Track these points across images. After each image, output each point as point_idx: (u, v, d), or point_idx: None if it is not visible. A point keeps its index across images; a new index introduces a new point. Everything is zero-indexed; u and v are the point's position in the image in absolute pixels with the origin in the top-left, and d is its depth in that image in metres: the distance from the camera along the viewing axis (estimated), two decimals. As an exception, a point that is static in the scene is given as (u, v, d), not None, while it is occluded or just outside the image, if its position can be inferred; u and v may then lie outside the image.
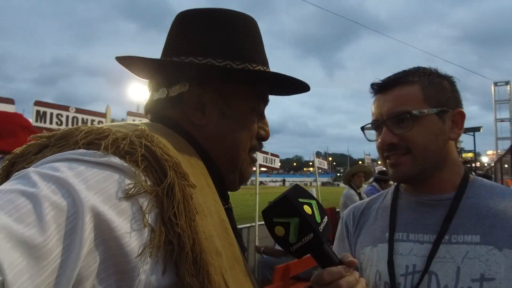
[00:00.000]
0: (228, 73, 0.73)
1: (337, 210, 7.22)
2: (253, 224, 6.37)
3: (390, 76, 1.01)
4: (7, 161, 0.59)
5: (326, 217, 0.73)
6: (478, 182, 1.00)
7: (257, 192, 6.49)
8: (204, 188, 0.63)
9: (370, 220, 1.10)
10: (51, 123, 4.05)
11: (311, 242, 0.68)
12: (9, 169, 0.59)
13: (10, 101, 3.66)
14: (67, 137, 0.58)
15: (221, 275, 0.57)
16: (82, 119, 4.37)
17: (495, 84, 32.52)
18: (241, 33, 0.75)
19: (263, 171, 9.71)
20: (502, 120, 32.00)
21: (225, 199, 0.73)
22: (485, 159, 44.07)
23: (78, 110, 4.38)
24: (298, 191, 0.71)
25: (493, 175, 11.76)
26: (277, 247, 4.80)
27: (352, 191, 5.45)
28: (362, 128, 1.07)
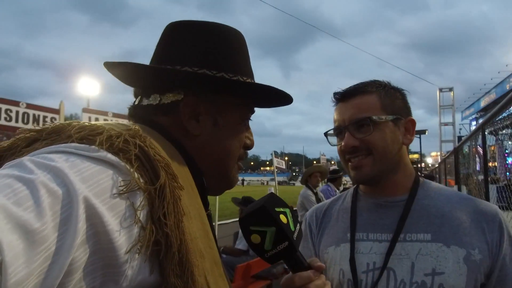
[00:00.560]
0: (223, 84, 0.75)
1: (294, 209, 7.39)
2: (213, 223, 6.37)
3: (350, 87, 1.10)
4: None
5: (298, 225, 0.76)
6: (427, 185, 1.10)
7: (217, 191, 6.47)
8: (189, 192, 0.63)
9: (332, 221, 1.17)
10: (-1, 118, 3.81)
11: (285, 249, 0.71)
12: None
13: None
14: (59, 131, 0.58)
15: (204, 276, 0.58)
16: (34, 115, 4.12)
17: (440, 90, 34.62)
18: (232, 47, 0.78)
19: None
20: (446, 124, 34.14)
21: (205, 205, 0.75)
22: (429, 160, 46.76)
23: (30, 106, 4.12)
24: (274, 200, 0.74)
25: (437, 175, 12.57)
26: (237, 246, 4.85)
27: (309, 191, 5.62)
28: (325, 134, 1.15)
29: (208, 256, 0.62)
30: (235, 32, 0.80)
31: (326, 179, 6.65)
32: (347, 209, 1.15)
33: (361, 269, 1.02)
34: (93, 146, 0.53)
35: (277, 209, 0.72)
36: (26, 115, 4.08)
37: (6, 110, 3.91)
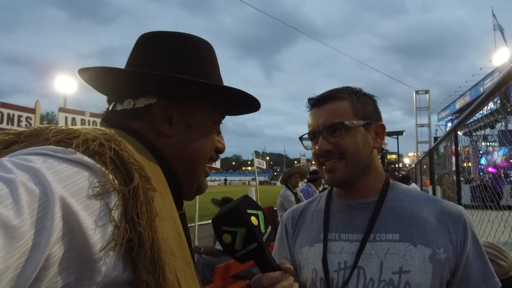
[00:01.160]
0: (194, 87, 0.78)
1: (275, 208, 7.42)
2: (193, 224, 6.33)
3: (324, 93, 1.14)
4: None
5: (269, 227, 0.79)
6: (396, 187, 1.14)
7: (197, 192, 6.44)
8: (162, 193, 0.66)
9: (306, 222, 1.21)
10: (-29, 118, 3.67)
11: (255, 250, 0.74)
12: None
13: None
14: (37, 134, 0.60)
15: (174, 274, 0.61)
16: (9, 114, 3.98)
17: (417, 92, 35.48)
18: (202, 55, 0.82)
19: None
20: (422, 126, 35.02)
21: (179, 206, 0.77)
22: (407, 161, 47.84)
23: (4, 105, 3.99)
24: (247, 203, 0.77)
25: (413, 175, 12.86)
26: (217, 247, 4.84)
27: (289, 192, 5.67)
28: (300, 138, 1.19)
29: (180, 256, 0.64)
30: (204, 42, 0.84)
31: (306, 180, 6.72)
32: (321, 211, 1.19)
33: (333, 268, 1.06)
34: (69, 149, 0.56)
35: (249, 211, 0.75)
36: (0, 115, 3.96)
37: (-22, 109, 3.78)
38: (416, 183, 10.39)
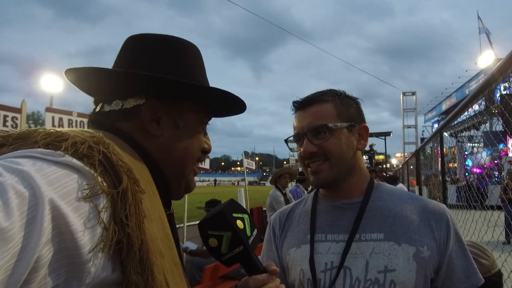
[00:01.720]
0: (182, 87, 0.79)
1: (264, 209, 7.44)
2: (182, 225, 6.31)
3: (308, 96, 1.15)
4: None
5: (255, 230, 0.80)
6: (381, 187, 1.16)
7: (186, 192, 6.41)
8: (150, 195, 0.66)
9: (294, 223, 1.22)
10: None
11: (241, 253, 0.75)
12: None
13: None
14: (25, 137, 0.60)
15: (163, 275, 0.61)
16: (-7, 114, 3.93)
17: (403, 94, 35.86)
18: (188, 57, 0.83)
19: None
20: (409, 127, 35.41)
21: (167, 206, 0.78)
22: (394, 161, 48.35)
23: (-11, 105, 3.93)
24: (233, 206, 0.78)
25: (400, 176, 13.02)
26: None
27: (278, 192, 5.69)
28: (286, 141, 1.20)
29: (168, 257, 0.65)
30: (191, 44, 0.85)
31: (295, 180, 6.75)
32: (307, 212, 1.20)
33: (320, 268, 1.07)
34: (58, 152, 0.56)
35: (234, 215, 0.76)
36: (-16, 114, 3.87)
37: (-38, 109, 3.70)
38: (403, 183, 10.53)
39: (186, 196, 6.48)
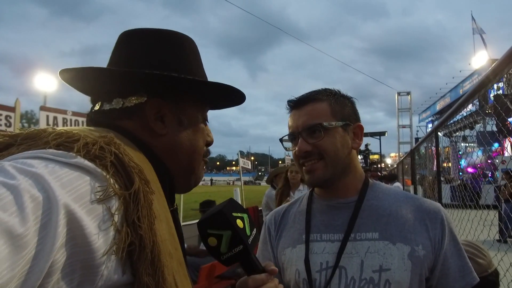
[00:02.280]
0: (184, 84, 0.77)
1: (260, 208, 7.43)
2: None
3: (303, 95, 1.15)
4: None
5: (255, 230, 0.80)
6: (376, 186, 1.16)
7: (181, 192, 6.40)
8: (157, 195, 0.66)
9: (289, 223, 1.22)
10: None
11: (240, 253, 0.74)
12: None
13: None
14: (35, 137, 0.59)
15: (172, 275, 0.61)
16: (-14, 113, 3.89)
17: (398, 94, 36.17)
18: (186, 52, 0.81)
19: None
20: (403, 126, 35.71)
21: (171, 202, 0.77)
22: (389, 161, 48.64)
23: (-17, 104, 3.89)
24: (233, 206, 0.77)
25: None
26: (202, 247, 4.82)
27: (274, 191, 5.69)
28: (281, 140, 1.19)
29: (175, 257, 0.65)
30: (187, 38, 0.84)
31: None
32: (303, 212, 1.20)
33: (315, 268, 1.07)
34: (70, 153, 0.56)
35: (234, 214, 0.75)
36: (-23, 113, 3.84)
37: (-46, 108, 3.67)
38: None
39: (182, 195, 6.47)
